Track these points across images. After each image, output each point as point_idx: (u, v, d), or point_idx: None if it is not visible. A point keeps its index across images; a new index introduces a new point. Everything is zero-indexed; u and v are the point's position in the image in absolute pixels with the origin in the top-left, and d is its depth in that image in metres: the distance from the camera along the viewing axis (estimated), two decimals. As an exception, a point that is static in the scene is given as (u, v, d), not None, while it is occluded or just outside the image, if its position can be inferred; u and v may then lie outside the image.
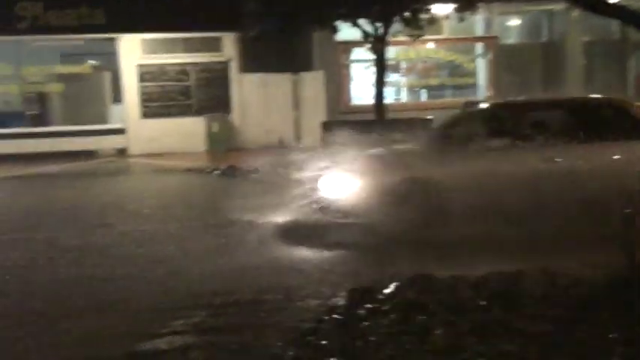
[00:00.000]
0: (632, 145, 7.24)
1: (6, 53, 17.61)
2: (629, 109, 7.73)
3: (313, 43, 17.75)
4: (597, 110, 7.89)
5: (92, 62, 18.91)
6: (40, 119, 18.22)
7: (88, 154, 17.11)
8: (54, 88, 18.35)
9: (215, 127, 17.60)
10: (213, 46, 18.38)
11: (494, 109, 8.34)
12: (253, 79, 17.96)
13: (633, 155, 7.04)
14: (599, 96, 8.66)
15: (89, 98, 18.52)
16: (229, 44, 18.25)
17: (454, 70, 19.68)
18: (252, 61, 17.78)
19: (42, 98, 18.36)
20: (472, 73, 19.74)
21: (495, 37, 19.41)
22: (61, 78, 18.35)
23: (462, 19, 15.53)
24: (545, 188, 6.90)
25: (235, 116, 18.14)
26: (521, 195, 6.85)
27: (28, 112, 18.23)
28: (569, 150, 7.24)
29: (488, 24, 19.39)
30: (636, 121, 7.48)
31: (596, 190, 6.69)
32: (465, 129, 7.74)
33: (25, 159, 16.22)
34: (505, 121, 7.79)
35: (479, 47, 19.79)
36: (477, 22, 19.09)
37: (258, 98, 17.96)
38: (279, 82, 17.80)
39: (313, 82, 17.87)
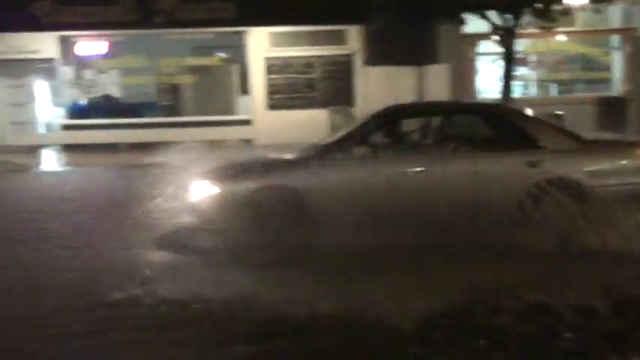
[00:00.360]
0: (509, 157, 6.78)
1: (143, 46, 18.53)
2: (513, 119, 7.24)
3: (439, 36, 17.50)
4: (483, 118, 7.40)
5: (221, 55, 19.55)
6: (173, 109, 19.04)
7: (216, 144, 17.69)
8: (186, 79, 19.12)
9: (338, 120, 17.70)
10: (338, 39, 18.52)
11: (372, 117, 7.71)
12: (377, 72, 17.93)
13: (505, 167, 6.67)
14: (486, 103, 8.07)
15: (218, 90, 19.14)
16: (354, 37, 18.34)
17: (587, 63, 18.83)
18: (377, 54, 17.77)
19: (174, 89, 19.14)
20: (607, 67, 18.83)
21: (634, 29, 18.36)
22: (193, 70, 19.08)
23: (598, 11, 14.82)
24: (398, 200, 6.47)
25: (358, 109, 18.19)
26: (375, 206, 6.43)
27: (162, 103, 19.13)
28: (445, 160, 6.78)
29: (626, 15, 18.38)
30: (519, 131, 6.95)
31: (453, 204, 6.27)
32: (353, 136, 7.29)
33: (157, 147, 16.94)
34: (381, 129, 7.41)
35: (615, 40, 18.82)
36: (613, 12, 18.14)
37: (382, 91, 17.86)
38: (404, 76, 17.66)
39: (438, 76, 17.60)
